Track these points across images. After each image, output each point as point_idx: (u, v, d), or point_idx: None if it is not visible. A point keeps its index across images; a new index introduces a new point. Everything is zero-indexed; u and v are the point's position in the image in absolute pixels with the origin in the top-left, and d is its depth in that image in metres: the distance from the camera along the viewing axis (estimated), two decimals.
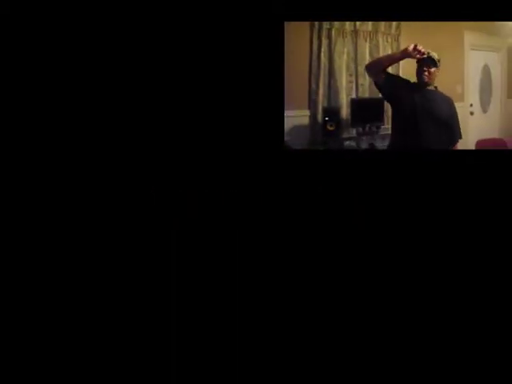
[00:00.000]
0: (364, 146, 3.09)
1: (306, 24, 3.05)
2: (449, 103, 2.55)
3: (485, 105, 4.33)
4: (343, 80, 3.23)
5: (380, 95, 2.68)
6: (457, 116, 2.53)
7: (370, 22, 3.20)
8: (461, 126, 3.87)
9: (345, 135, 3.07)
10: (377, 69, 2.49)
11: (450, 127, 2.49)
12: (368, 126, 3.18)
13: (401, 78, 2.66)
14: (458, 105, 3.84)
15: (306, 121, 3.37)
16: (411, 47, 2.35)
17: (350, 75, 3.28)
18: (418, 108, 2.42)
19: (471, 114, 4.07)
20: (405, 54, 2.45)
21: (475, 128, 4.10)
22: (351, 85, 3.28)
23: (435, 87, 2.55)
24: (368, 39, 3.30)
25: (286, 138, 3.05)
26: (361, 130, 3.17)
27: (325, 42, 3.25)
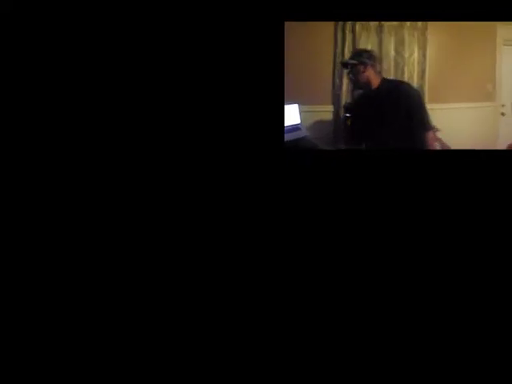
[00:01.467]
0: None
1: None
2: (411, 94, 2.41)
3: None
4: None
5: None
6: (424, 107, 2.39)
7: None
8: (493, 126, 3.78)
9: None
10: None
11: (417, 119, 2.34)
12: None
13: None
14: (487, 104, 3.72)
15: (329, 116, 3.32)
16: None
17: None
18: (377, 105, 2.35)
19: (502, 114, 3.91)
20: None
21: (507, 130, 3.95)
22: None
23: (400, 81, 2.46)
24: (393, 33, 3.21)
25: (309, 133, 3.02)
26: None
27: (349, 36, 3.19)
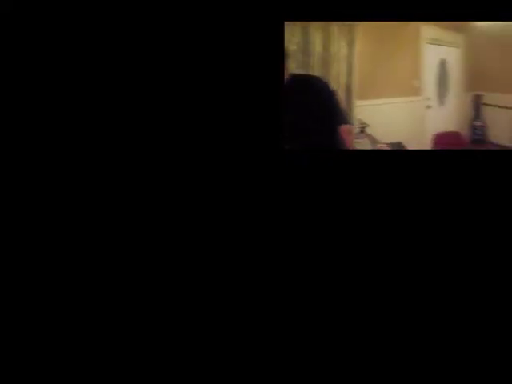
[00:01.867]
0: None
1: None
2: (320, 88, 2.30)
3: (442, 98, 4.36)
4: None
5: None
6: (336, 99, 2.31)
7: None
8: (421, 119, 3.94)
9: None
10: None
11: (329, 112, 2.25)
12: None
13: None
14: (414, 99, 3.88)
15: None
16: None
17: None
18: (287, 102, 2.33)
19: (428, 107, 4.09)
20: None
21: (433, 122, 4.13)
22: None
23: (309, 75, 2.45)
24: (320, 30, 3.23)
25: None
26: None
27: None
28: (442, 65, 4.29)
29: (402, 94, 3.66)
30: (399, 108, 3.63)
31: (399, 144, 3.02)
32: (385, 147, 2.80)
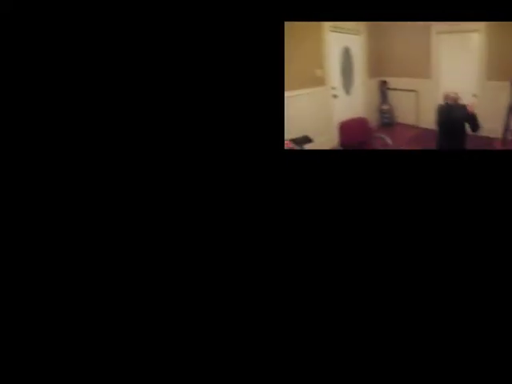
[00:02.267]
0: None
1: None
2: None
3: (348, 87, 4.37)
4: None
5: None
6: None
7: None
8: (327, 109, 3.94)
9: None
10: None
11: None
12: None
13: None
14: (319, 89, 3.85)
15: None
16: None
17: None
18: None
19: (334, 96, 4.08)
20: None
21: (340, 111, 4.13)
22: None
23: None
24: None
25: None
26: None
27: None
28: (346, 52, 4.29)
29: (306, 85, 3.61)
30: (304, 100, 3.58)
31: (305, 138, 2.96)
32: (290, 145, 2.74)
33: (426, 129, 4.52)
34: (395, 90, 4.98)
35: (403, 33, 4.61)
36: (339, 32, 4.11)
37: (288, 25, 3.43)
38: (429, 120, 4.27)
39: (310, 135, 3.06)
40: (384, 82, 5.05)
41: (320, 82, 3.81)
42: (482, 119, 2.94)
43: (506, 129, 3.74)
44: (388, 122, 5.04)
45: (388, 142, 3.53)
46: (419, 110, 4.86)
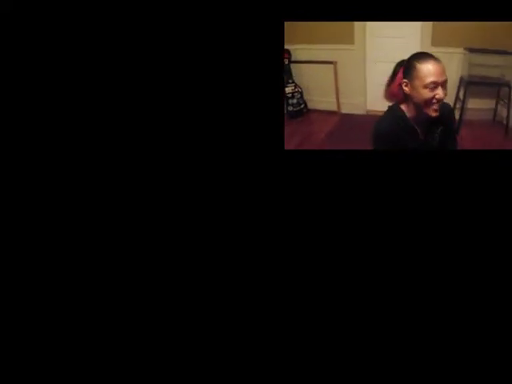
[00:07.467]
0: None
1: None
2: None
3: None
4: None
5: None
6: None
7: None
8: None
9: None
10: None
11: None
12: None
13: None
14: None
15: None
16: None
17: None
18: None
19: None
20: None
21: None
22: None
23: None
24: None
25: None
26: None
27: None
28: None
29: None
30: None
31: None
32: None
33: (352, 115, 3.72)
34: (303, 62, 3.89)
35: None
36: None
37: None
38: (355, 102, 3.70)
39: None
40: (285, 53, 3.74)
41: None
42: None
43: (459, 106, 3.15)
44: (295, 110, 3.87)
45: None
46: (340, 90, 3.86)
